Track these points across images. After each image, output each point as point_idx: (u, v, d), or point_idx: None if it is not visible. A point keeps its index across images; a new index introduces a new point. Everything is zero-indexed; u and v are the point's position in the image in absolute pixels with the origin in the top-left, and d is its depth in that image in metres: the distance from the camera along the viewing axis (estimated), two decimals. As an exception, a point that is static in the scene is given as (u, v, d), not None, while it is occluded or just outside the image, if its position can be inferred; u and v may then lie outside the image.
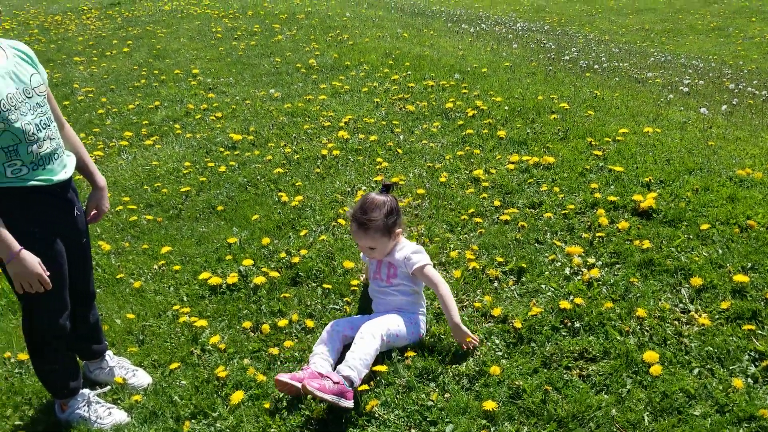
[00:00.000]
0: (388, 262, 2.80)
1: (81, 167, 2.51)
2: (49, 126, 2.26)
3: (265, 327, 3.00)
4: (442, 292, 2.68)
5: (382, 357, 2.66)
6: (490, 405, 2.38)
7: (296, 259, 3.46)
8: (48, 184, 2.26)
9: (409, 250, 2.77)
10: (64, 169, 2.33)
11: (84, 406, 2.59)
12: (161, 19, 10.49)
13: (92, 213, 2.56)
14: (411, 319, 2.76)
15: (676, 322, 2.71)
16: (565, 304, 2.83)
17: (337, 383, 2.41)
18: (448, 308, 2.66)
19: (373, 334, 2.59)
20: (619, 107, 5.32)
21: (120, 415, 2.59)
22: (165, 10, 11.24)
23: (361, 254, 3.01)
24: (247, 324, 3.04)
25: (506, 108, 5.23)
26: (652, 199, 3.53)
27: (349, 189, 4.23)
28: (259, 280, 3.33)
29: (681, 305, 2.82)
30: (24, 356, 2.90)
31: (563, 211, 3.63)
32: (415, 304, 2.82)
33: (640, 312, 2.74)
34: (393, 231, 2.73)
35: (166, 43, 8.82)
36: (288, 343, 2.87)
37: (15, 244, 2.12)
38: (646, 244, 3.20)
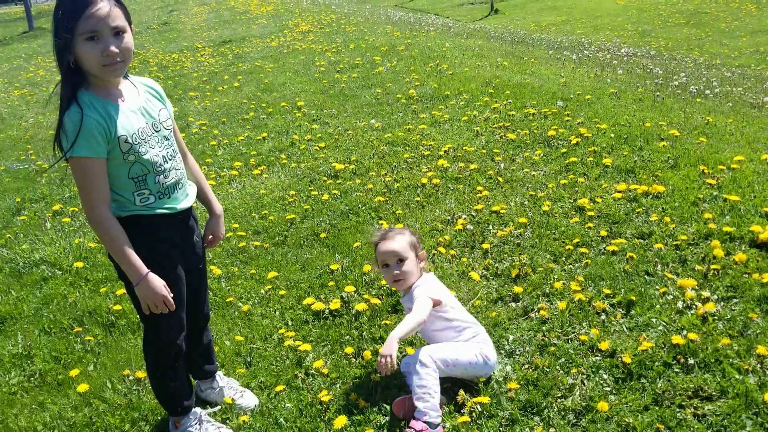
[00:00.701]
0: (408, 308, 2.73)
1: (200, 195, 2.64)
2: (174, 157, 2.41)
3: (367, 353, 3.03)
4: (411, 313, 2.61)
5: (484, 387, 2.63)
6: (597, 442, 2.30)
7: (397, 287, 3.49)
8: (172, 212, 2.40)
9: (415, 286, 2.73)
10: (186, 198, 2.47)
11: (196, 424, 2.69)
12: (269, 54, 10.99)
13: (209, 238, 2.70)
14: (467, 347, 2.65)
15: (803, 363, 2.52)
16: (677, 340, 2.71)
17: (421, 431, 2.43)
18: (401, 324, 2.57)
19: (424, 362, 2.53)
20: (733, 134, 5.07)
21: (229, 434, 2.69)
22: (272, 46, 11.76)
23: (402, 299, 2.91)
24: (349, 350, 3.09)
25: (612, 135, 5.10)
26: (773, 230, 3.33)
27: (449, 217, 4.24)
28: (361, 306, 3.38)
29: (808, 344, 2.62)
30: (141, 374, 3.07)
31: (675, 242, 3.48)
32: (461, 331, 2.72)
33: (761, 350, 2.57)
34: (418, 251, 2.78)
35: (273, 77, 9.22)
36: (389, 370, 2.89)
37: (143, 267, 2.26)
38: (767, 277, 3.01)
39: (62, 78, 2.23)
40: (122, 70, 2.24)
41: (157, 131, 2.35)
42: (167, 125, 2.41)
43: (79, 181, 2.23)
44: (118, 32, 2.16)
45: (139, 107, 2.33)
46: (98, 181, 2.22)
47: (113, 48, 2.14)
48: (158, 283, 2.28)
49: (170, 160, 2.38)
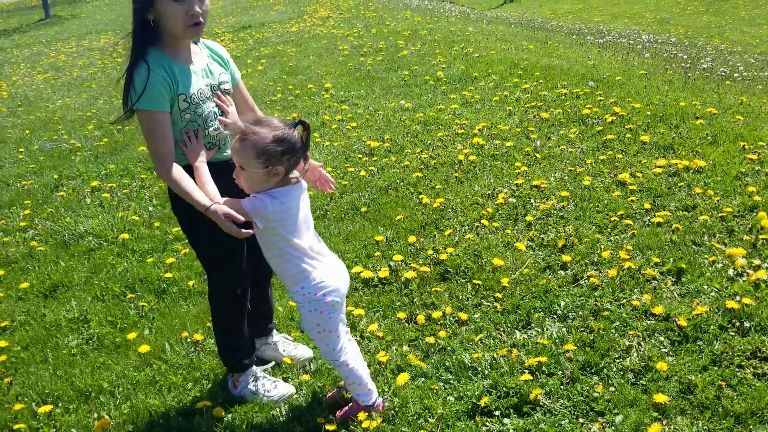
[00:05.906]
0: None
1: None
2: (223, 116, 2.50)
3: (420, 318, 3.08)
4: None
5: (543, 348, 2.68)
6: (661, 398, 2.34)
7: (444, 256, 3.54)
8: (218, 159, 2.47)
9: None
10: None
11: (253, 381, 2.76)
12: (290, 39, 11.02)
13: (315, 177, 2.68)
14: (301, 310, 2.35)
15: None
16: (732, 304, 2.74)
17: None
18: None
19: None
20: (769, 113, 5.08)
21: (285, 388, 2.74)
22: (292, 31, 11.79)
23: None
24: (401, 315, 3.14)
25: (647, 114, 5.12)
26: (820, 201, 3.36)
27: (489, 192, 4.28)
28: (410, 274, 3.43)
29: None
30: (199, 337, 3.13)
31: (720, 214, 3.51)
32: (286, 271, 2.32)
33: (818, 313, 2.62)
34: (272, 165, 2.15)
35: (296, 60, 9.25)
36: (442, 333, 2.95)
37: (206, 200, 2.28)
38: (818, 246, 3.05)
39: (134, 35, 2.30)
40: (201, 32, 2.31)
41: (214, 92, 2.45)
42: (224, 88, 2.50)
43: (145, 132, 2.32)
44: None
45: (204, 69, 2.43)
46: (163, 132, 2.31)
47: (197, 8, 2.21)
48: (225, 209, 2.23)
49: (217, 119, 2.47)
